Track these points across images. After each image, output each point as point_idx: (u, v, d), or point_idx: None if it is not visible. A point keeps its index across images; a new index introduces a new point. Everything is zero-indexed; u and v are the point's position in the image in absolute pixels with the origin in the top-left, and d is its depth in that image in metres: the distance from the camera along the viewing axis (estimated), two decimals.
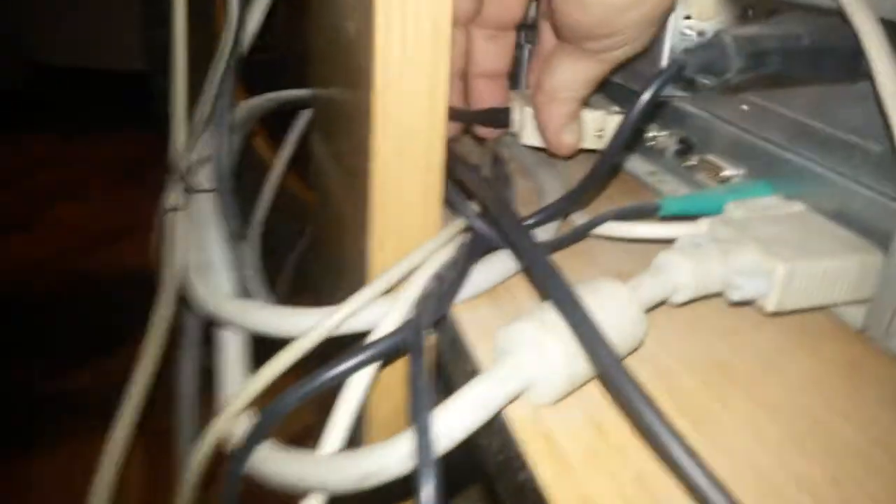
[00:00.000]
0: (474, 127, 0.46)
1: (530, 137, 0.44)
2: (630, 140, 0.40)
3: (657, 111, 0.44)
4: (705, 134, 0.40)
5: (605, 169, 0.32)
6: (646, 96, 0.29)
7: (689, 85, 0.40)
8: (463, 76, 0.45)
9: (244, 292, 0.36)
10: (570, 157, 0.43)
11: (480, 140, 0.48)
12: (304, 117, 0.66)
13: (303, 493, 0.27)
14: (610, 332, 0.25)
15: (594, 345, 0.22)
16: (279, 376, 0.29)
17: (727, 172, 0.37)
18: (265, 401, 0.28)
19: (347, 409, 0.28)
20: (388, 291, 0.30)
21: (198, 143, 0.44)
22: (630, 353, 0.27)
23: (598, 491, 0.22)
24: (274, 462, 0.26)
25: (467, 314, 0.30)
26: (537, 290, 0.31)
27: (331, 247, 0.45)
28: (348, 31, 0.32)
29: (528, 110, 0.43)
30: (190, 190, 0.40)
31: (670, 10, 0.36)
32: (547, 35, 0.45)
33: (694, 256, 0.28)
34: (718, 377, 0.27)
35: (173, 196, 0.41)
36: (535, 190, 0.43)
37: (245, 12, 0.41)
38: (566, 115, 0.40)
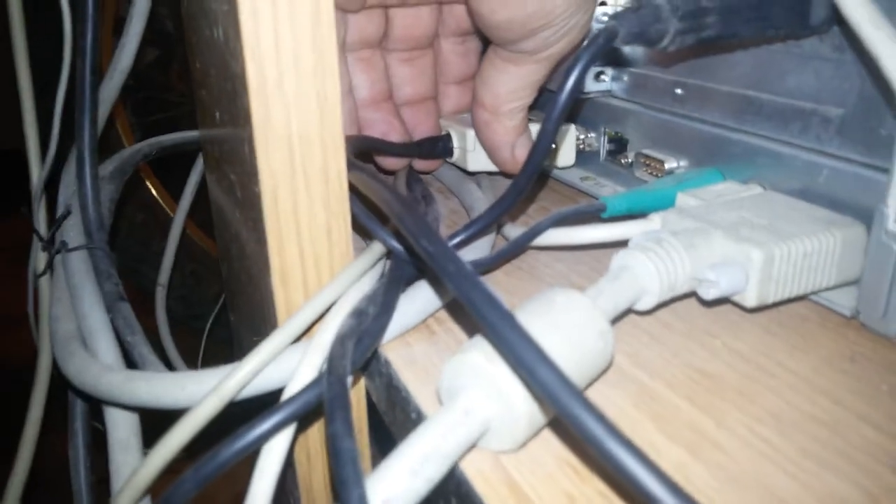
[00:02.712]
0: (413, 162, 0.42)
1: (476, 163, 0.39)
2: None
3: (580, 112, 0.40)
4: (639, 127, 0.36)
5: (538, 165, 0.27)
6: (575, 73, 0.25)
7: (619, 59, 0.37)
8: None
9: (129, 362, 0.30)
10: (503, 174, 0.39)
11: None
12: (199, 167, 0.60)
13: None
14: (571, 354, 0.20)
15: (547, 381, 0.17)
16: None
17: (670, 164, 0.33)
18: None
19: (263, 488, 0.22)
20: (301, 337, 0.25)
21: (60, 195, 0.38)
22: (600, 376, 0.22)
23: None
24: None
25: (400, 352, 0.25)
26: (471, 318, 0.26)
27: (244, 296, 0.39)
28: (219, 39, 0.27)
29: (470, 133, 0.38)
30: (55, 250, 0.34)
31: None
32: (451, 54, 0.41)
33: (656, 253, 0.24)
34: (705, 391, 0.22)
35: (39, 259, 0.35)
36: (462, 210, 0.38)
37: (94, 44, 0.36)
38: (515, 129, 0.36)
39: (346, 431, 0.18)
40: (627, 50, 0.37)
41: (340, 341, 0.22)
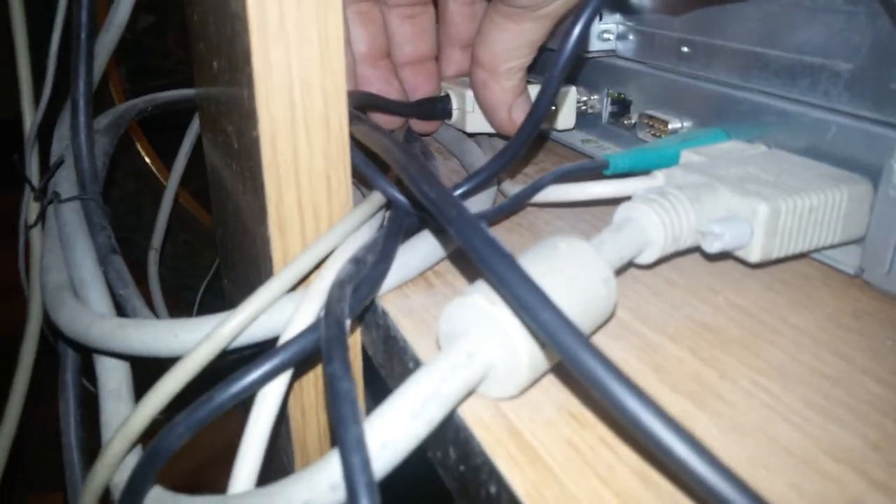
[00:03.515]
0: (411, 121, 0.41)
1: (475, 124, 0.39)
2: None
3: (582, 72, 0.39)
4: (642, 88, 0.35)
5: (539, 122, 0.27)
6: (581, 23, 0.24)
7: (625, 10, 0.36)
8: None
9: (120, 313, 0.30)
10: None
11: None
12: (194, 129, 0.59)
13: None
14: (575, 298, 0.20)
15: (550, 324, 0.16)
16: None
17: (674, 125, 0.33)
18: None
19: (258, 434, 0.22)
20: (297, 286, 0.24)
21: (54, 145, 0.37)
22: (602, 326, 0.22)
23: (589, 498, 0.17)
24: None
25: (398, 303, 0.25)
26: (477, 267, 0.26)
27: (239, 253, 0.39)
28: None
29: (469, 94, 0.38)
30: (47, 201, 0.33)
31: None
32: (457, 15, 0.40)
33: (660, 205, 0.24)
34: (708, 344, 0.22)
35: (31, 210, 0.34)
36: (460, 168, 0.38)
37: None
38: (513, 90, 0.35)
39: (344, 372, 0.18)
40: (634, 3, 0.36)
41: (339, 285, 0.21)
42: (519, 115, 0.35)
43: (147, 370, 0.28)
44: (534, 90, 0.36)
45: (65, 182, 0.35)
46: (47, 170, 0.37)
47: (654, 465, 0.17)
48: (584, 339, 0.16)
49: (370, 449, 0.16)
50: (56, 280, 0.31)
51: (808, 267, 0.27)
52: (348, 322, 0.20)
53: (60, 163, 0.35)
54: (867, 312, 0.24)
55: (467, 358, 0.18)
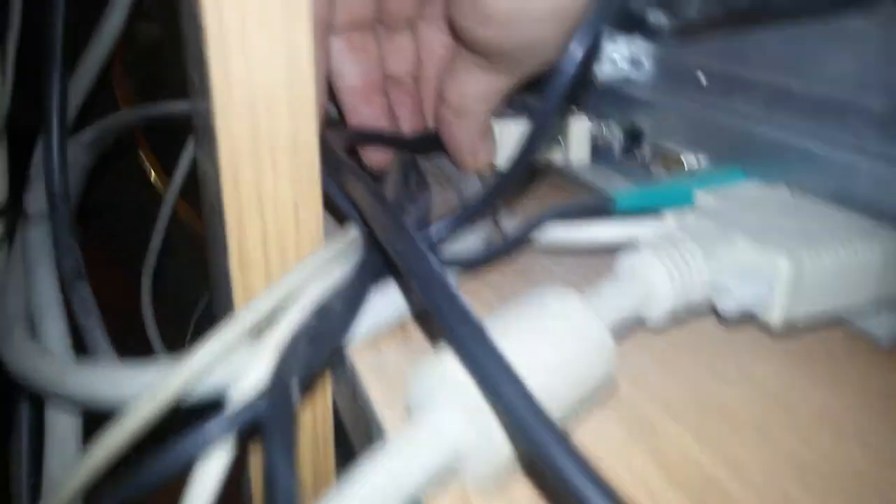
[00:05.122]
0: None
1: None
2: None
3: (590, 101, 0.37)
4: (656, 119, 0.33)
5: (531, 152, 0.24)
6: (586, 36, 0.22)
7: (639, 26, 0.33)
8: (384, 93, 0.37)
9: (79, 345, 0.27)
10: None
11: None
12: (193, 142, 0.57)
13: None
14: (560, 370, 0.17)
15: (518, 412, 0.13)
16: None
17: (688, 160, 0.30)
18: None
19: None
20: (262, 330, 0.22)
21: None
22: (596, 398, 0.19)
23: None
24: None
25: (369, 359, 0.22)
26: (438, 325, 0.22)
27: (215, 286, 0.36)
28: None
29: None
30: (13, 218, 0.31)
31: None
32: (433, 40, 0.38)
33: (668, 255, 0.21)
34: (715, 426, 0.19)
35: None
36: (458, 196, 0.35)
37: None
38: (478, 132, 0.34)
39: (284, 461, 0.15)
40: (649, 27, 0.33)
41: (294, 343, 0.19)
42: (484, 156, 0.34)
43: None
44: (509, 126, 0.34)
45: (34, 199, 0.33)
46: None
47: None
48: (551, 424, 0.13)
49: None
50: (11, 308, 0.28)
51: (835, 334, 0.23)
52: (296, 392, 0.17)
53: (29, 180, 0.32)
54: None
55: (434, 438, 0.15)
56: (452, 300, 0.15)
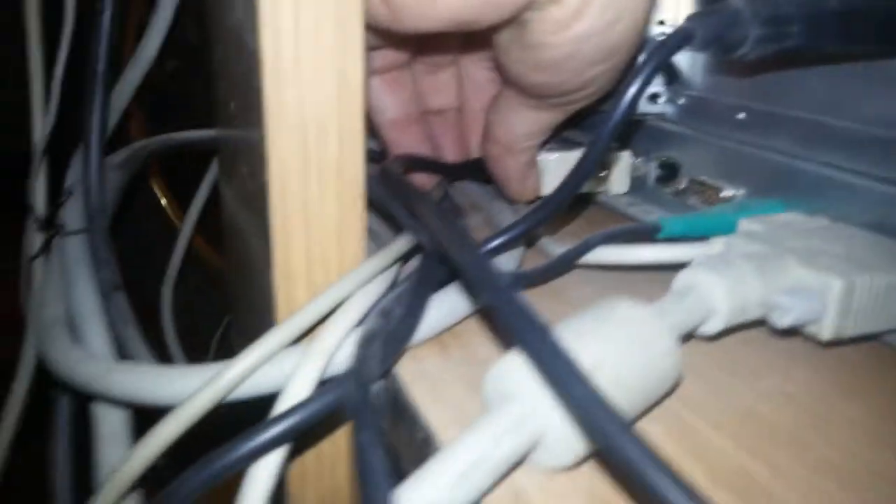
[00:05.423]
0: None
1: None
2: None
3: (628, 135, 0.37)
4: (693, 153, 0.33)
5: (584, 178, 0.25)
6: (640, 78, 0.23)
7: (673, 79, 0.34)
8: (418, 121, 0.38)
9: (121, 353, 0.27)
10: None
11: None
12: (212, 172, 0.58)
13: None
14: (629, 374, 0.17)
15: (589, 406, 0.14)
16: None
17: (727, 193, 0.31)
18: None
19: None
20: (302, 338, 0.22)
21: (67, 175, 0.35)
22: (661, 401, 0.19)
23: None
24: None
25: (409, 366, 0.22)
26: (507, 334, 0.23)
27: (246, 301, 0.36)
28: (237, 19, 0.24)
29: None
30: (52, 232, 0.31)
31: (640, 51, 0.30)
32: (477, 75, 0.38)
33: (726, 273, 0.21)
34: (755, 433, 0.19)
35: (35, 240, 0.32)
36: (487, 222, 0.35)
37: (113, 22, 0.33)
38: (527, 164, 0.34)
39: (372, 442, 0.15)
40: (684, 69, 0.34)
41: (366, 342, 0.19)
42: (532, 187, 0.35)
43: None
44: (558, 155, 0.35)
45: (72, 214, 0.33)
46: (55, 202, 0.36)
47: None
48: (623, 422, 0.13)
49: None
50: (52, 315, 0.28)
51: (877, 350, 0.24)
52: (377, 385, 0.17)
53: (69, 195, 0.33)
54: None
55: (519, 422, 0.16)
56: (520, 308, 0.16)
